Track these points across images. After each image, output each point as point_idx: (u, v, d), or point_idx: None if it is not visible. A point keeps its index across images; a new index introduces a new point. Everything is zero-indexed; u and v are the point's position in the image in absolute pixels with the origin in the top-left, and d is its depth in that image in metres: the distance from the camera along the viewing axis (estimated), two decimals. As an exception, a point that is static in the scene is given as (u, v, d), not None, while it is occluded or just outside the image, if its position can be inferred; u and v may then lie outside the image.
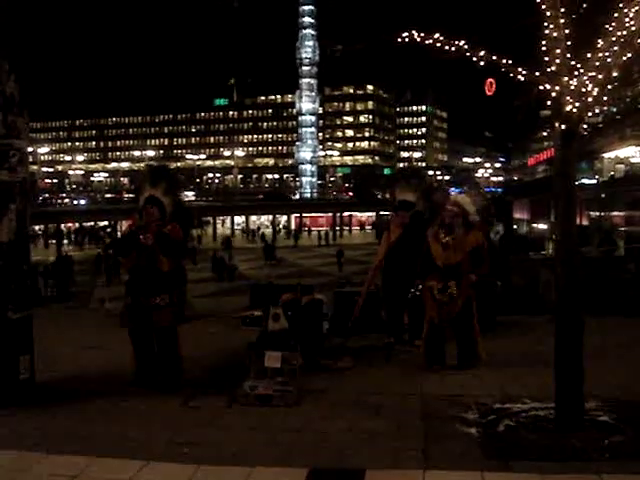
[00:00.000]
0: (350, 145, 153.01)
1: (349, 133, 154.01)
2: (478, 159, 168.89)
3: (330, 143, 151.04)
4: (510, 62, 6.09)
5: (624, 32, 5.70)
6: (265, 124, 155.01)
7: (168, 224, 7.78)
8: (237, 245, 55.36)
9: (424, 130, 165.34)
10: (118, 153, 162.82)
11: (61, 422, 6.49)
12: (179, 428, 6.28)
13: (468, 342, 8.40)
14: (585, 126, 6.27)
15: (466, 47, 6.11)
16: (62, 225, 68.24)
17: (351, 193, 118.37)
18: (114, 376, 8.13)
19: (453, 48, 6.12)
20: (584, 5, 5.94)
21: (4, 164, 7.05)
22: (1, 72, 7.16)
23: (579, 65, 5.90)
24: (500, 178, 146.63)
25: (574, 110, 5.90)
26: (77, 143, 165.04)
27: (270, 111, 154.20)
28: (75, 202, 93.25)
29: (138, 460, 5.42)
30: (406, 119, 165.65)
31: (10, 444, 5.84)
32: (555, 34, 5.86)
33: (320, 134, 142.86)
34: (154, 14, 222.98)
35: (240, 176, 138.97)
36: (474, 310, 8.44)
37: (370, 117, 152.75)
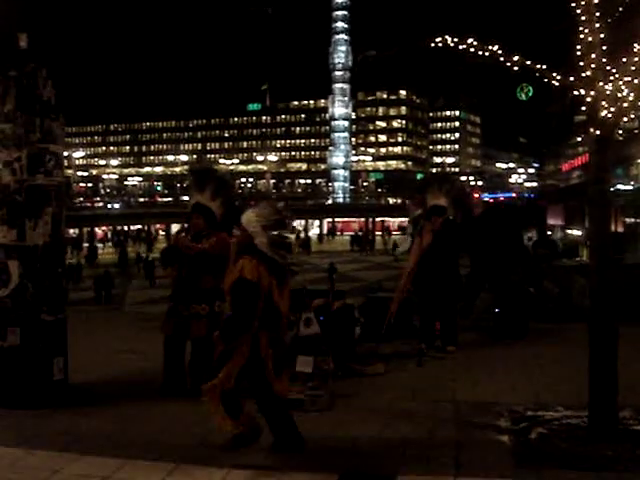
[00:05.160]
0: (383, 150, 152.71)
1: (382, 138, 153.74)
2: (512, 164, 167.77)
3: (363, 148, 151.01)
4: (544, 67, 6.05)
5: (660, 36, 5.64)
6: (298, 129, 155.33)
7: (213, 234, 7.79)
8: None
9: (457, 135, 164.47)
10: (152, 157, 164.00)
11: (93, 424, 6.55)
12: (210, 432, 6.29)
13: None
14: (620, 131, 6.20)
15: (500, 52, 6.08)
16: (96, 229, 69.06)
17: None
18: (147, 379, 8.18)
19: (487, 53, 6.09)
20: (619, 9, 5.89)
21: (40, 168, 7.15)
22: (39, 78, 7.28)
23: (614, 70, 5.85)
24: (534, 184, 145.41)
25: (609, 115, 5.84)
26: (111, 147, 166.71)
27: (303, 116, 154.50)
28: (109, 206, 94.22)
29: (168, 463, 5.45)
30: (439, 124, 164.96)
31: (43, 445, 5.91)
32: (590, 39, 5.82)
33: (353, 139, 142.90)
34: (189, 20, 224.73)
35: (273, 181, 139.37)
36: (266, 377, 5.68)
37: (403, 122, 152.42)
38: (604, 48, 5.86)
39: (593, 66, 5.84)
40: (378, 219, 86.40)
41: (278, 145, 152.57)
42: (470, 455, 5.63)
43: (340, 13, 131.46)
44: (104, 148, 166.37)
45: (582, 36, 5.85)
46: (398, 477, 5.17)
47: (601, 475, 5.14)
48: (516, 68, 6.08)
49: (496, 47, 6.09)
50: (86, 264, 43.69)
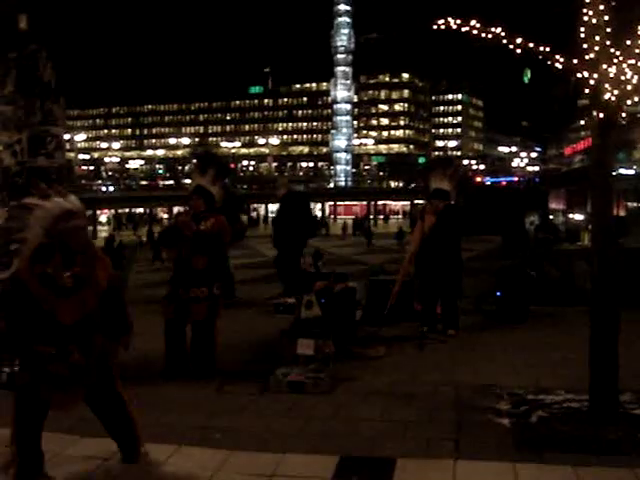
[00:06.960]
0: (385, 134, 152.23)
1: (384, 121, 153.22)
2: (514, 148, 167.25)
3: (365, 131, 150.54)
4: (548, 50, 6.01)
5: (665, 19, 5.60)
6: (300, 112, 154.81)
7: (212, 216, 7.82)
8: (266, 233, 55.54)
9: (460, 119, 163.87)
10: (153, 140, 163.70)
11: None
12: (212, 414, 6.33)
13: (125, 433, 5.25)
14: (624, 115, 6.16)
15: (503, 34, 6.04)
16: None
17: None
18: (149, 362, 8.18)
19: (490, 35, 6.05)
20: (624, -9, 5.84)
21: (41, 150, 7.14)
22: (39, 60, 7.25)
23: (618, 52, 5.81)
24: (536, 168, 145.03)
25: (613, 98, 5.81)
26: (113, 130, 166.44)
27: (305, 99, 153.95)
28: (103, 189, 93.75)
29: (170, 444, 5.47)
30: (442, 108, 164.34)
31: (46, 426, 5.92)
32: (594, 21, 5.77)
33: (355, 122, 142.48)
34: (191, 1, 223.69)
35: (275, 164, 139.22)
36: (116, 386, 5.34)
37: (405, 105, 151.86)
38: (608, 30, 5.81)
39: (597, 48, 5.80)
40: (380, 202, 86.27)
41: (280, 128, 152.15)
42: (470, 438, 5.64)
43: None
44: (106, 131, 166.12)
45: (586, 18, 5.80)
46: (398, 460, 5.18)
47: (601, 459, 5.15)
48: (519, 50, 6.04)
49: (499, 29, 6.04)
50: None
